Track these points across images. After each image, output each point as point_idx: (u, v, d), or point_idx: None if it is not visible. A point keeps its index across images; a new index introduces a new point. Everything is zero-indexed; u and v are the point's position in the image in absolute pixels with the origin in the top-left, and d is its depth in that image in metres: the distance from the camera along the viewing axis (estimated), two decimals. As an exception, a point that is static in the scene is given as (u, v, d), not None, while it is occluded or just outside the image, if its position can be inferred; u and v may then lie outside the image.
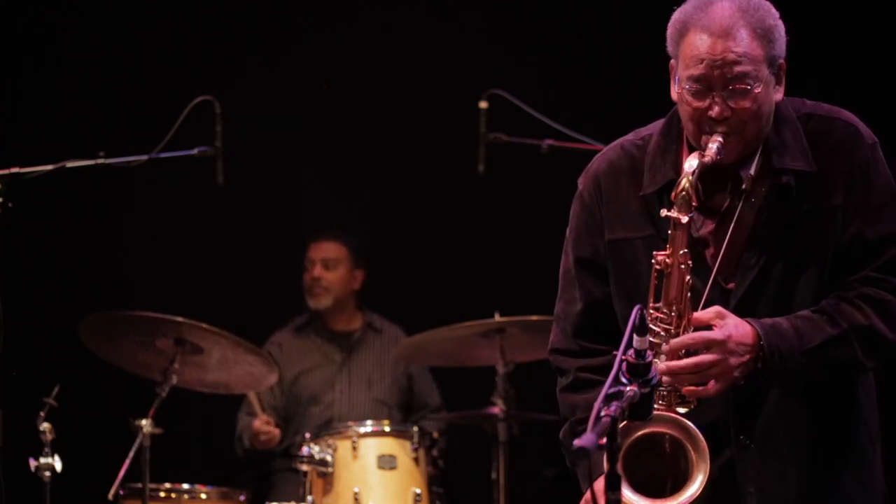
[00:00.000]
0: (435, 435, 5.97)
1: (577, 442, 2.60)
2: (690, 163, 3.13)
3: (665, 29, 3.25)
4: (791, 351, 3.14)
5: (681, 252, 3.13)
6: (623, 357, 2.86)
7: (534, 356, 5.66)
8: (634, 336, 2.87)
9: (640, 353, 2.88)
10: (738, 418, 3.23)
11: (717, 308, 3.16)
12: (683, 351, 3.12)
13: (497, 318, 5.73)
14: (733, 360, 3.12)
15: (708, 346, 3.11)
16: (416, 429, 5.89)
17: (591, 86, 6.75)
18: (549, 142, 5.52)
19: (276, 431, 6.29)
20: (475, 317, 5.80)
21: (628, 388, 2.83)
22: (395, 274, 7.13)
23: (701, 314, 3.15)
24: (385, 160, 7.23)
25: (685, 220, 3.12)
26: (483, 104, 5.70)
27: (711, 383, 3.12)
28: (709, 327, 3.14)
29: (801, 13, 3.57)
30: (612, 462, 2.71)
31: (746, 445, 3.23)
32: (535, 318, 5.60)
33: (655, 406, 3.11)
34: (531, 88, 5.91)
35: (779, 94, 3.23)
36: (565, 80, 6.84)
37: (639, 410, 2.89)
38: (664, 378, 3.09)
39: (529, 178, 6.52)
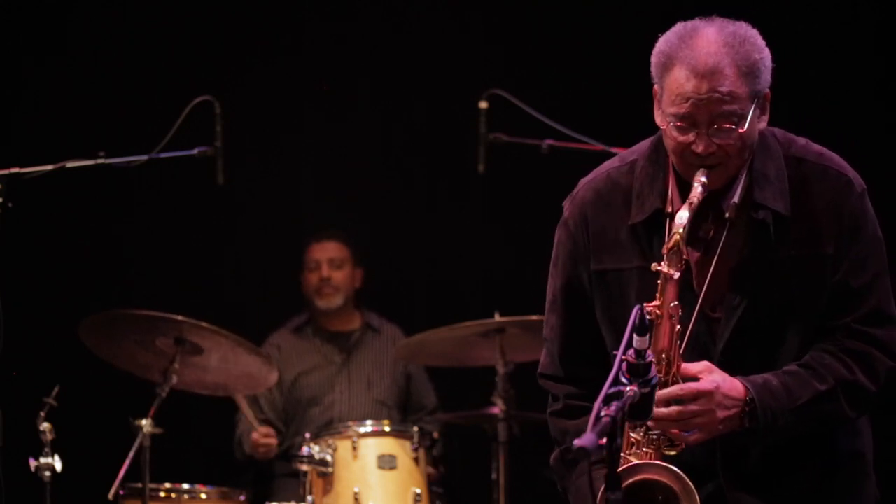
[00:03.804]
0: (435, 435, 5.96)
1: (577, 442, 2.60)
2: (681, 215, 3.12)
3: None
4: (782, 409, 3.16)
5: (671, 304, 3.12)
6: (623, 357, 2.86)
7: (534, 356, 5.54)
8: (634, 336, 2.87)
9: (640, 353, 2.88)
10: (724, 454, 3.23)
11: (706, 363, 3.17)
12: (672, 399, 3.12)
13: (497, 318, 5.72)
14: (720, 413, 3.13)
15: (695, 397, 3.11)
16: (416, 429, 5.88)
17: (591, 86, 6.74)
18: (549, 142, 5.51)
19: (275, 443, 6.29)
20: (475, 317, 5.79)
21: (628, 388, 2.83)
22: (395, 274, 7.12)
23: (689, 367, 3.15)
24: (385, 160, 7.23)
25: (676, 276, 3.11)
26: (483, 104, 5.69)
27: (694, 432, 3.13)
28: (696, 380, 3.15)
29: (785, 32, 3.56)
30: (611, 463, 2.71)
31: (732, 481, 3.23)
32: (535, 318, 5.57)
33: (645, 450, 3.14)
34: (531, 88, 5.91)
35: (763, 123, 3.22)
36: (565, 80, 6.83)
37: (639, 410, 2.89)
38: (651, 423, 3.10)
39: (529, 178, 6.51)
